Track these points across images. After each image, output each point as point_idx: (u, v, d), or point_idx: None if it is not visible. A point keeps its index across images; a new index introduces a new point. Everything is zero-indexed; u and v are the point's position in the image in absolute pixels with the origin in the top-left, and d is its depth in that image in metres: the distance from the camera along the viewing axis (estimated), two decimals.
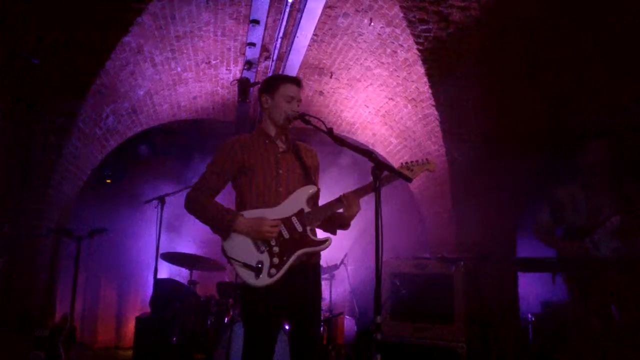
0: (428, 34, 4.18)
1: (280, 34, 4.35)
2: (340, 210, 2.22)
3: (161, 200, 4.43)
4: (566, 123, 4.74)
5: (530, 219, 4.16)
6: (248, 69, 5.01)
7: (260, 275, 2.07)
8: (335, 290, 5.00)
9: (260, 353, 2.09)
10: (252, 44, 4.58)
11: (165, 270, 5.50)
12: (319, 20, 4.06)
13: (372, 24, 4.23)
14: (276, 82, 2.35)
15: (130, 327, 5.79)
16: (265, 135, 2.33)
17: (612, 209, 3.08)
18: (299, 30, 4.12)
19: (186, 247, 5.78)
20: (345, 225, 2.32)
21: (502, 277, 4.78)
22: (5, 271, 3.93)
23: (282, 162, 2.28)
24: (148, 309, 4.72)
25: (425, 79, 4.55)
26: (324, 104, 5.93)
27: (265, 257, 2.10)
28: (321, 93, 5.71)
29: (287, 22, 4.17)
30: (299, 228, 2.15)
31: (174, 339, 4.10)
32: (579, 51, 4.12)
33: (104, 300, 6.18)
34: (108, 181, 6.30)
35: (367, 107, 5.63)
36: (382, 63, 4.74)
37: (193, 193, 2.27)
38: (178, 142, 6.55)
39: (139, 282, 6.11)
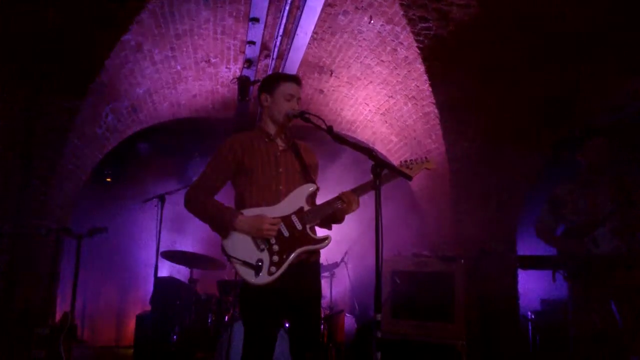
0: (428, 32, 4.18)
1: (280, 32, 4.34)
2: (340, 207, 2.22)
3: (161, 198, 4.43)
4: (567, 121, 4.74)
5: (530, 216, 4.17)
6: (248, 67, 5.00)
7: (260, 274, 2.07)
8: (336, 288, 5.01)
9: (261, 351, 2.09)
10: (252, 42, 4.57)
11: (166, 269, 5.51)
12: (318, 18, 4.06)
13: (372, 21, 4.22)
14: (276, 80, 2.35)
15: (131, 325, 5.80)
16: (264, 134, 2.33)
17: (613, 207, 3.08)
18: (298, 28, 4.12)
19: (186, 245, 5.79)
20: (339, 220, 2.32)
21: (502, 274, 4.79)
22: (6, 270, 3.93)
23: (281, 161, 2.28)
24: (148, 307, 4.71)
25: (426, 77, 4.55)
26: (324, 102, 5.92)
27: (265, 256, 2.10)
28: (321, 91, 5.71)
29: (287, 20, 4.16)
30: (299, 226, 2.16)
31: (174, 337, 4.11)
32: (580, 48, 4.12)
33: (105, 299, 6.19)
34: (108, 180, 6.31)
35: (367, 105, 5.63)
36: (382, 61, 4.74)
37: (192, 191, 2.27)
38: (178, 141, 6.55)
39: (139, 281, 6.12)
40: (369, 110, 5.70)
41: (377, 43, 4.51)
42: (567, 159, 3.77)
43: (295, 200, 2.20)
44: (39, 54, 3.84)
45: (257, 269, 2.08)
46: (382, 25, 4.25)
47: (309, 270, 2.22)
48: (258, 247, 2.12)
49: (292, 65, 4.73)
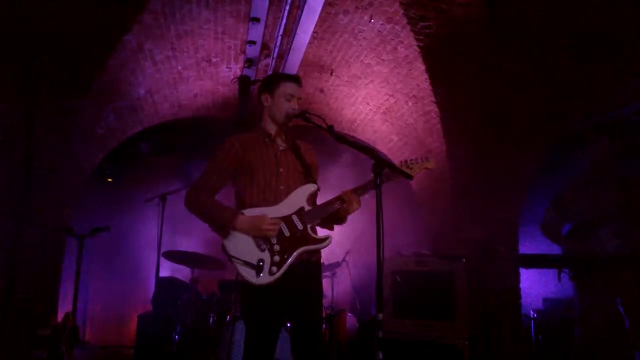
0: (428, 31, 4.17)
1: (281, 32, 4.34)
2: (340, 207, 2.21)
3: (162, 198, 4.43)
4: (568, 119, 4.73)
5: (532, 215, 4.16)
6: (248, 67, 5.01)
7: (261, 274, 2.07)
8: (337, 287, 5.01)
9: (262, 351, 2.09)
10: (253, 42, 4.57)
11: (167, 269, 5.50)
12: (319, 18, 4.06)
13: (373, 21, 4.22)
14: (276, 80, 2.35)
15: (132, 325, 5.80)
16: (265, 134, 2.33)
17: (616, 205, 3.08)
18: (299, 28, 4.12)
19: (188, 245, 5.79)
20: (341, 220, 2.32)
21: (503, 273, 4.77)
22: (8, 270, 3.94)
23: (282, 161, 2.28)
24: (150, 307, 4.72)
25: (426, 76, 4.54)
26: (325, 101, 5.92)
27: (266, 255, 2.10)
28: (321, 90, 5.70)
29: (287, 19, 4.16)
30: (300, 226, 2.16)
31: (176, 337, 4.11)
32: (581, 47, 4.11)
33: (106, 299, 6.20)
34: (109, 180, 6.31)
35: (368, 104, 5.62)
36: (383, 60, 4.73)
37: (193, 191, 2.27)
38: (179, 141, 6.56)
39: (140, 281, 6.12)
40: (370, 109, 5.70)
41: (377, 42, 4.51)
42: (568, 158, 3.77)
43: (295, 200, 2.20)
44: (40, 54, 3.84)
45: (258, 268, 2.08)
46: (382, 24, 4.24)
47: (310, 269, 2.22)
48: (259, 246, 2.12)
49: (293, 64, 4.72)
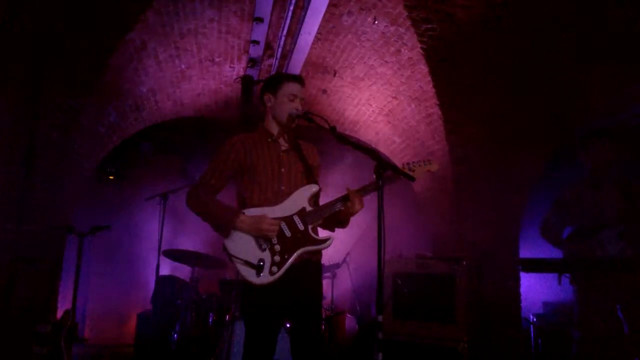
0: (432, 33, 4.17)
1: (284, 32, 4.34)
2: (342, 208, 2.21)
3: (163, 197, 4.44)
4: (571, 122, 4.72)
5: (533, 218, 4.15)
6: (252, 67, 5.01)
7: (262, 274, 2.07)
8: (337, 288, 5.01)
9: (262, 351, 2.09)
10: (256, 42, 4.57)
11: (167, 267, 5.51)
12: (322, 19, 4.05)
13: (376, 22, 4.22)
14: (279, 80, 2.35)
15: (132, 323, 5.81)
16: (267, 134, 2.33)
17: (618, 208, 3.07)
18: (302, 29, 4.12)
19: (188, 244, 5.79)
20: (344, 223, 2.31)
21: (504, 277, 4.77)
22: (8, 267, 3.94)
23: (284, 161, 2.28)
24: (149, 306, 4.72)
25: (429, 78, 4.54)
26: (327, 102, 5.92)
27: (266, 255, 2.10)
28: (324, 91, 5.70)
29: (291, 20, 4.16)
30: (301, 226, 2.15)
31: (175, 336, 4.11)
32: (584, 49, 4.10)
33: (106, 297, 6.20)
34: (111, 178, 6.31)
35: (371, 105, 5.62)
36: (386, 62, 4.73)
37: (194, 190, 2.27)
38: (181, 140, 6.56)
39: (140, 279, 6.12)
40: (372, 110, 5.69)
41: (381, 44, 4.51)
42: (570, 161, 3.76)
43: (297, 200, 2.20)
44: (42, 52, 3.84)
45: (258, 268, 2.07)
46: (386, 26, 4.24)
47: (310, 270, 2.21)
48: (260, 246, 2.11)
49: (296, 65, 4.72)
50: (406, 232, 5.63)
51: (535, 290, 5.10)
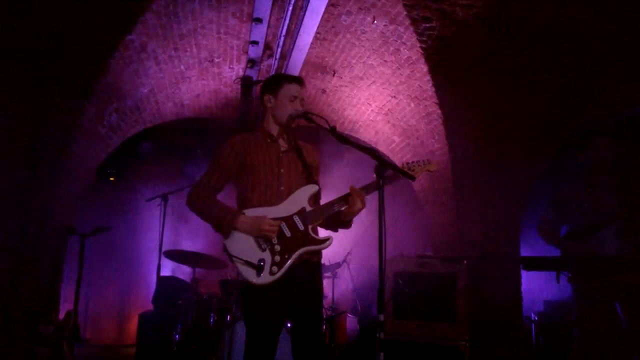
0: (431, 32, 4.17)
1: (283, 32, 4.34)
2: (341, 208, 2.21)
3: (164, 198, 4.45)
4: (570, 121, 4.72)
5: (534, 217, 4.15)
6: (251, 67, 5.01)
7: (262, 274, 2.07)
8: (338, 288, 5.01)
9: (263, 351, 2.09)
10: (255, 42, 4.58)
11: (168, 268, 5.52)
12: (321, 19, 4.06)
13: (375, 22, 4.22)
14: (279, 81, 2.35)
15: (133, 324, 5.82)
16: (267, 134, 2.34)
17: (617, 207, 3.07)
18: (301, 29, 4.12)
19: (189, 244, 5.80)
20: (347, 224, 2.32)
21: (505, 275, 4.77)
22: (10, 268, 3.95)
23: (283, 161, 2.28)
24: (151, 307, 4.73)
25: (429, 77, 4.54)
26: (327, 102, 5.92)
27: (266, 255, 2.11)
28: (324, 91, 5.70)
29: (290, 20, 4.16)
30: (301, 227, 2.16)
31: (177, 336, 4.11)
32: (584, 49, 4.10)
33: (107, 298, 6.22)
34: (111, 179, 6.32)
35: (370, 105, 5.62)
36: (385, 61, 4.73)
37: (195, 190, 2.28)
38: (181, 140, 6.57)
39: (141, 280, 6.14)
40: (372, 110, 5.70)
41: (380, 43, 4.51)
42: (570, 160, 3.76)
43: (297, 200, 2.21)
44: (43, 54, 3.85)
45: (258, 268, 2.08)
46: (385, 25, 4.24)
47: (310, 270, 2.22)
48: (260, 246, 2.12)
49: (295, 65, 4.73)
50: (407, 231, 5.63)
51: (536, 288, 5.10)
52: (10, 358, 3.83)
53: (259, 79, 5.17)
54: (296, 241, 2.14)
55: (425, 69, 4.48)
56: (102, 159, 5.21)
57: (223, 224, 2.17)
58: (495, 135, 4.81)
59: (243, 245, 2.12)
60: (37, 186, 4.14)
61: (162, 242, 4.34)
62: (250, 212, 2.16)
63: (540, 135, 4.84)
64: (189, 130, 6.55)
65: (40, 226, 4.16)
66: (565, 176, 3.57)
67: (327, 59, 5.02)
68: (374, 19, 4.19)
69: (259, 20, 4.19)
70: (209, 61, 5.04)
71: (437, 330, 3.81)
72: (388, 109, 5.47)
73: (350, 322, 4.83)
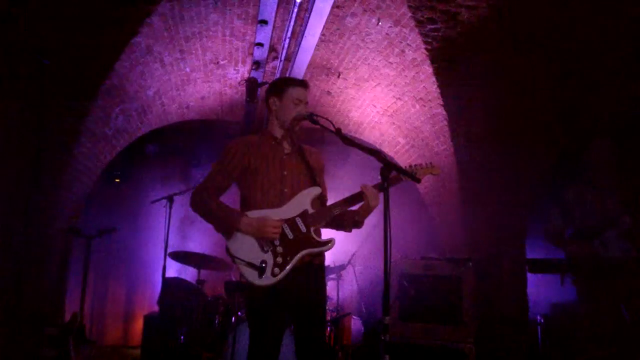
0: (436, 34, 4.16)
1: (288, 34, 4.35)
2: (339, 212, 2.22)
3: (169, 199, 4.46)
4: (576, 123, 4.69)
5: (539, 219, 4.13)
6: (256, 69, 5.02)
7: (264, 275, 2.08)
8: (343, 290, 4.99)
9: (266, 352, 2.09)
10: (260, 44, 4.58)
11: (174, 269, 5.53)
12: (326, 20, 4.06)
13: (380, 23, 4.22)
14: (284, 84, 2.37)
15: (139, 325, 5.84)
16: (271, 137, 2.35)
17: (622, 209, 3.05)
18: (306, 31, 4.12)
19: (194, 246, 5.82)
20: (359, 223, 2.31)
21: (511, 277, 4.74)
22: (16, 270, 3.97)
23: (287, 164, 2.30)
24: (156, 308, 4.74)
25: (434, 79, 4.53)
26: (332, 103, 5.92)
27: (269, 257, 2.11)
28: (329, 93, 5.71)
29: (295, 22, 4.17)
30: (303, 229, 2.16)
31: (182, 337, 4.12)
32: (589, 50, 4.08)
33: (113, 299, 6.24)
34: (117, 181, 6.35)
35: (375, 106, 5.62)
36: (390, 63, 4.73)
37: (199, 192, 2.29)
38: (186, 142, 6.59)
39: (147, 281, 6.15)
40: (377, 112, 5.69)
41: (385, 45, 4.51)
42: (577, 162, 3.74)
43: (300, 203, 2.21)
44: (49, 56, 3.87)
45: (260, 270, 2.08)
46: (390, 27, 4.24)
47: (313, 272, 2.22)
48: (262, 248, 2.13)
49: (300, 67, 4.73)
50: (412, 233, 5.62)
51: (542, 291, 5.07)
52: None
53: (264, 81, 5.18)
54: (298, 243, 2.14)
55: (430, 70, 4.47)
56: (107, 161, 5.23)
57: (226, 225, 2.17)
58: (501, 137, 4.79)
59: (245, 247, 2.13)
60: (42, 188, 4.16)
61: (168, 244, 4.35)
62: (253, 214, 2.17)
63: (546, 136, 4.82)
64: (194, 133, 6.57)
65: (45, 228, 4.18)
66: (572, 178, 3.54)
67: (332, 61, 5.03)
68: (378, 20, 4.18)
69: (264, 22, 4.20)
70: (214, 63, 5.06)
71: (443, 332, 3.80)
72: (393, 111, 5.46)
73: (355, 324, 4.82)
